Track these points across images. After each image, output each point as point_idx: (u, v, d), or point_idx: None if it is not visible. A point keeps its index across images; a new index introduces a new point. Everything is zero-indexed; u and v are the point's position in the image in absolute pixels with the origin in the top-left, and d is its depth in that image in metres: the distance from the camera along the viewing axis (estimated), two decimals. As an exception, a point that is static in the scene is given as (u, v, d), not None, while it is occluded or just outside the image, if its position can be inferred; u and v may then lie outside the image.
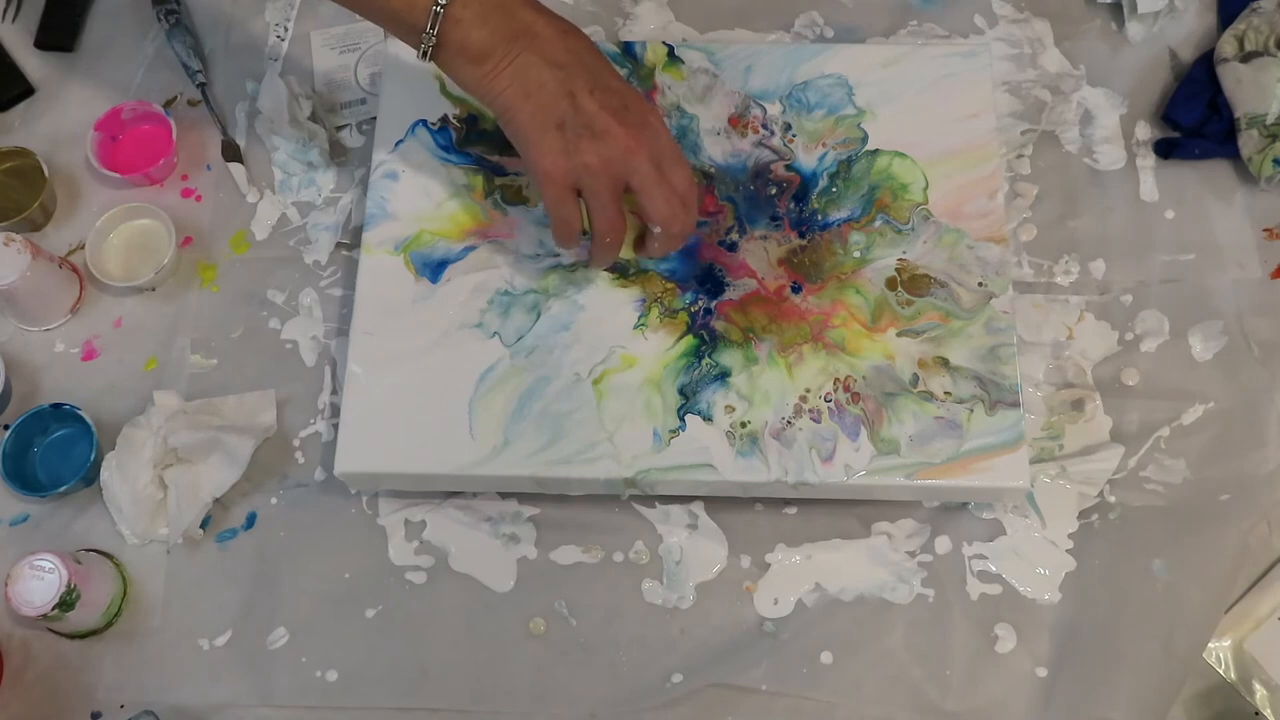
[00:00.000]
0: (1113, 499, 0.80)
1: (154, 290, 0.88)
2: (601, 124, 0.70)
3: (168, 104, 0.94)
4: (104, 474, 0.80)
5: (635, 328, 0.79)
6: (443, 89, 0.86)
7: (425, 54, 0.71)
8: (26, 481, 0.81)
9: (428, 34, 0.70)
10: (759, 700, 0.76)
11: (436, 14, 0.69)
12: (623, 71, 0.86)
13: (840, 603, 0.78)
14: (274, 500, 0.82)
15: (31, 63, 0.97)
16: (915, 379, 0.77)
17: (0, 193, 0.89)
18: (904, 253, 0.81)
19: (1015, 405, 0.76)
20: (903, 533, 0.79)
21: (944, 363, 0.77)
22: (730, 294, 0.80)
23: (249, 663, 0.77)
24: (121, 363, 0.86)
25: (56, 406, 0.82)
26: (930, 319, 0.79)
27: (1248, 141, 0.87)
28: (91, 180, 0.92)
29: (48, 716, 0.77)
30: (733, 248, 0.81)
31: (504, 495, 0.81)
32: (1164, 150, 0.90)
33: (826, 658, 0.76)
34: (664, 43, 0.88)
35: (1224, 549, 0.78)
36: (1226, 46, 0.89)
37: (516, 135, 0.72)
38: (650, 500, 0.80)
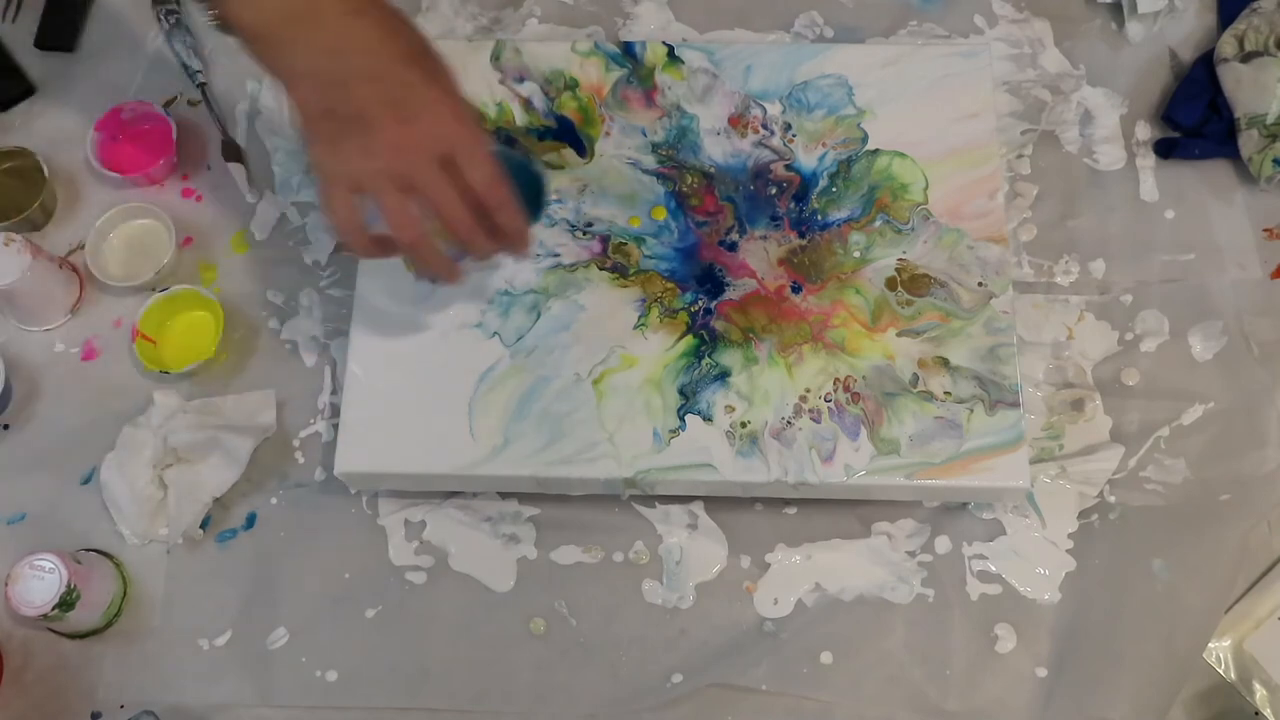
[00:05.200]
0: (1113, 499, 0.80)
1: (154, 290, 0.88)
2: (371, 115, 0.64)
3: (168, 104, 0.94)
4: (104, 474, 0.80)
5: (635, 328, 0.79)
6: (443, 89, 0.86)
7: (218, 28, 0.67)
8: None
9: (203, 8, 0.66)
10: (759, 700, 0.76)
11: None
12: (622, 71, 0.87)
13: (840, 603, 0.78)
14: (274, 500, 0.82)
15: (31, 63, 0.96)
16: (915, 379, 0.77)
17: (0, 193, 0.89)
18: (904, 253, 0.81)
19: (1015, 405, 0.76)
20: (903, 533, 0.79)
21: (944, 363, 0.77)
22: (730, 294, 0.80)
23: (249, 663, 0.77)
24: (121, 363, 0.86)
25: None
26: (930, 319, 0.79)
27: (1248, 141, 0.87)
28: (91, 180, 0.92)
29: (48, 716, 0.77)
30: (733, 248, 0.81)
31: (504, 495, 0.81)
32: (1164, 150, 0.90)
33: (826, 658, 0.76)
34: (664, 43, 0.88)
35: (1224, 549, 0.78)
36: (1226, 46, 0.89)
37: (295, 123, 0.67)
38: (650, 500, 0.80)
